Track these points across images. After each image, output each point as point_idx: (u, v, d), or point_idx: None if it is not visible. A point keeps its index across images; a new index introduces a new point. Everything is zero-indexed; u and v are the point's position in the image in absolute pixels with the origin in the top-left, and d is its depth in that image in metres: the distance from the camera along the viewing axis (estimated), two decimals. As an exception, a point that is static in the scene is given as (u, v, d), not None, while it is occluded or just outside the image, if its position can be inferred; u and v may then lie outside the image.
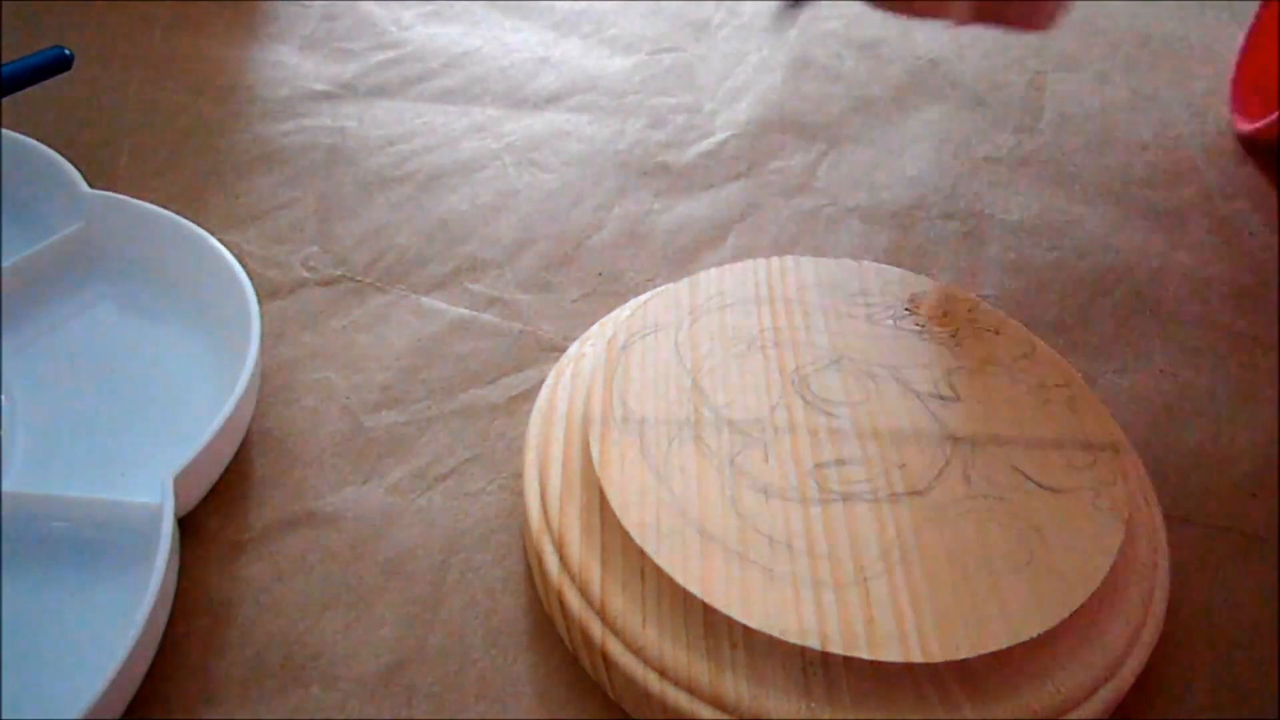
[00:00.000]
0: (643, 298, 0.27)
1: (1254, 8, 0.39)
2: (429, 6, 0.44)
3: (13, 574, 0.24)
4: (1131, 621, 0.21)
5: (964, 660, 0.19)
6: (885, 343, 0.25)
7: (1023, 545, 0.21)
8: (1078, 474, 0.22)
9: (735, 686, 0.20)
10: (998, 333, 0.25)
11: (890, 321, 0.25)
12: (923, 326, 0.25)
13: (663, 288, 0.27)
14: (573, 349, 0.28)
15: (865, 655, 0.19)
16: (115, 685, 0.20)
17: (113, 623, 0.23)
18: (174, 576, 0.23)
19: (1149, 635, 0.21)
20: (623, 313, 0.27)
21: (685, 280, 0.27)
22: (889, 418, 0.23)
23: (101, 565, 0.24)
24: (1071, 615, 0.20)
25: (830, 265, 0.27)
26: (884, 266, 0.27)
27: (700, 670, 0.20)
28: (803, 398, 0.24)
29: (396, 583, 0.24)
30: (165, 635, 0.23)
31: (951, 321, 0.26)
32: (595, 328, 0.28)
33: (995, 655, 0.19)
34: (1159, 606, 0.22)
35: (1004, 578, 0.20)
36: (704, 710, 0.20)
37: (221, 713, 0.22)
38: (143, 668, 0.22)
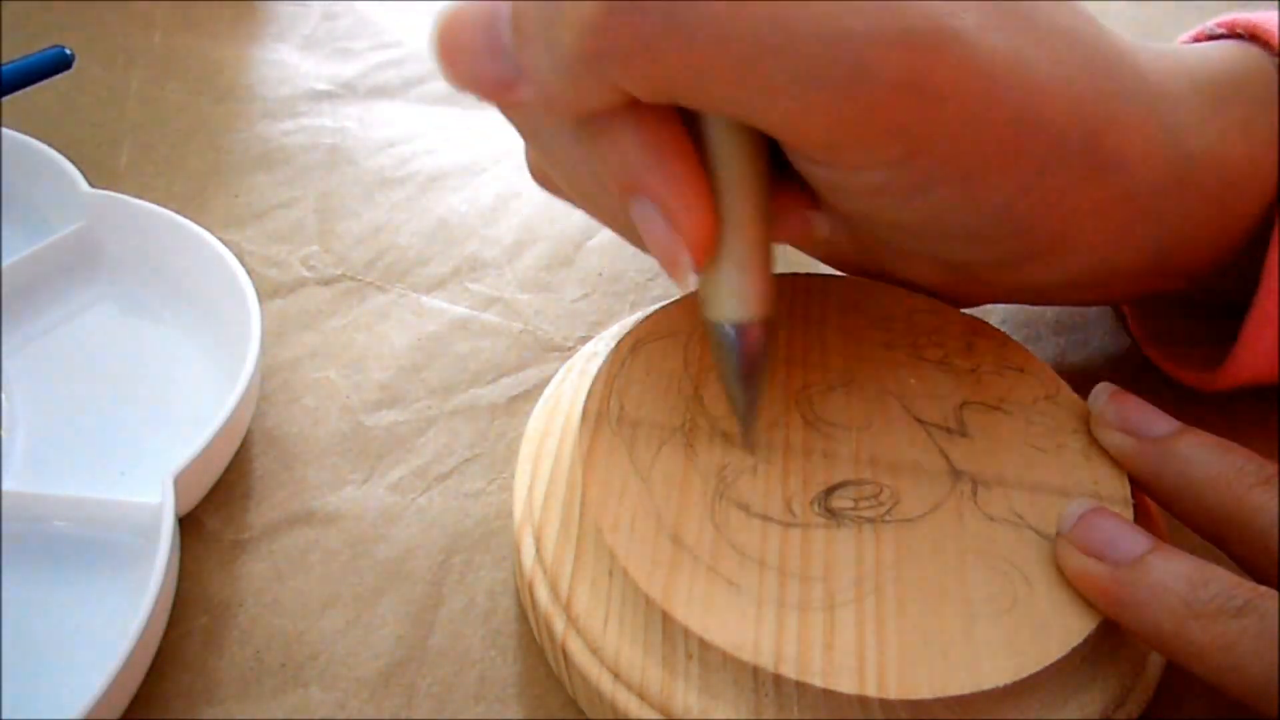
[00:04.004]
0: (664, 303, 0.26)
1: (1251, 9, 0.39)
2: (430, 7, 0.44)
3: (13, 574, 0.24)
4: (1119, 684, 0.20)
5: (922, 700, 0.18)
6: (900, 370, 0.24)
7: (1008, 590, 0.20)
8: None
9: (685, 697, 0.19)
10: (1022, 371, 0.24)
11: (909, 350, 0.25)
12: (943, 358, 0.25)
13: (688, 293, 0.26)
14: (588, 346, 0.27)
15: (818, 682, 0.18)
16: (115, 685, 0.20)
17: (113, 623, 0.23)
18: (174, 576, 0.23)
19: (1136, 701, 0.21)
20: (641, 315, 0.27)
21: None
22: (890, 446, 0.22)
23: (101, 565, 0.24)
24: (1046, 669, 0.19)
25: (860, 286, 0.26)
26: (915, 294, 0.26)
27: (653, 677, 0.20)
28: (804, 417, 0.23)
29: (396, 583, 0.24)
30: (165, 635, 0.23)
31: (975, 355, 0.25)
32: (615, 327, 0.28)
33: (957, 699, 0.18)
34: (1154, 672, 0.21)
35: (981, 621, 0.19)
36: (652, 716, 0.20)
37: (221, 712, 0.22)
38: (143, 668, 0.22)
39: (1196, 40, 0.26)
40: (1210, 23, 0.26)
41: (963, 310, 0.26)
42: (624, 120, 0.20)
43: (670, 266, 0.20)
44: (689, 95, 0.19)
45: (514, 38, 0.19)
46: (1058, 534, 0.21)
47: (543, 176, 0.25)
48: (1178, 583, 0.19)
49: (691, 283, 0.21)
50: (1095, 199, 0.21)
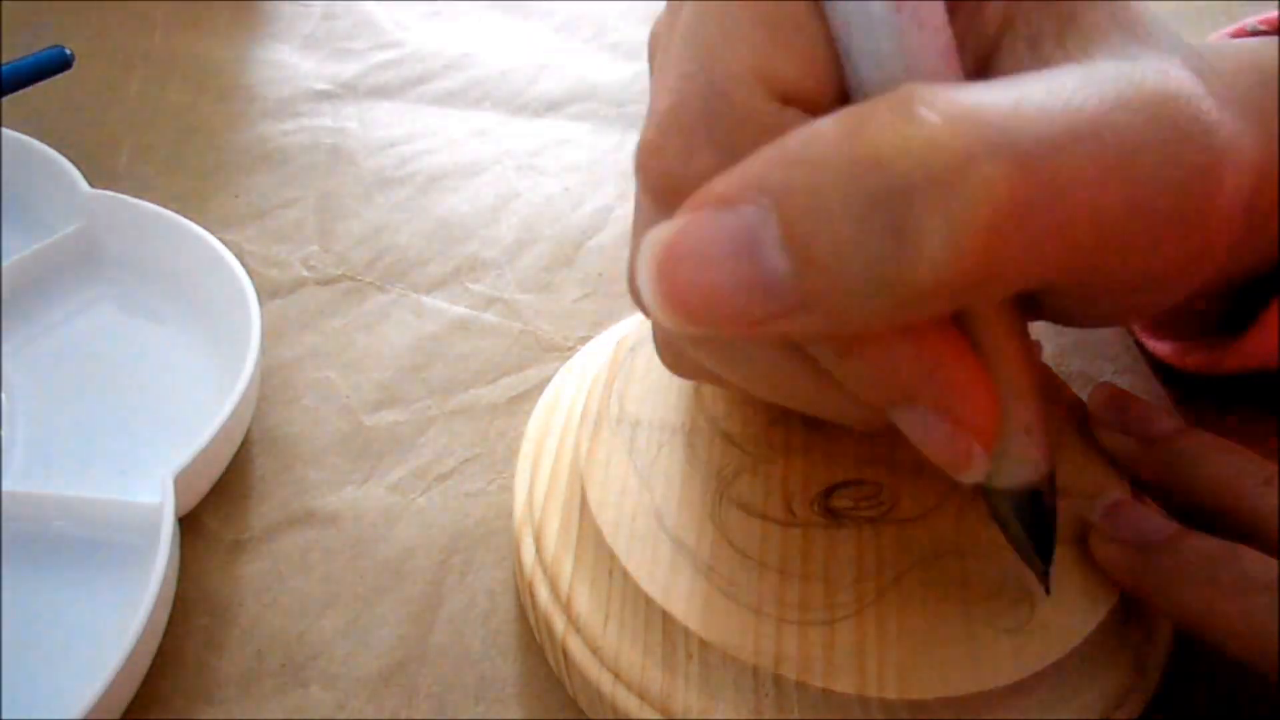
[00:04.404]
0: None
1: (1251, 8, 0.39)
2: (429, 7, 0.44)
3: (13, 574, 0.24)
4: (1119, 684, 0.20)
5: (922, 700, 0.18)
6: None
7: (1007, 591, 0.20)
8: (1082, 524, 0.21)
9: (685, 697, 0.19)
10: None
11: None
12: None
13: None
14: (589, 346, 0.27)
15: (818, 682, 0.18)
16: (115, 685, 0.20)
17: (113, 623, 0.23)
18: (174, 576, 0.23)
19: (1138, 698, 0.21)
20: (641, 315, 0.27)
21: None
22: (891, 446, 0.22)
23: (101, 565, 0.24)
24: (1046, 669, 0.19)
25: None
26: None
27: (653, 677, 0.20)
28: (803, 417, 0.23)
29: (396, 583, 0.24)
30: (165, 635, 0.23)
31: None
32: (615, 327, 0.28)
33: (957, 699, 0.18)
34: (1154, 672, 0.21)
35: (981, 621, 0.19)
36: (652, 716, 0.20)
37: (221, 712, 0.22)
38: (143, 668, 0.22)
39: (1235, 37, 0.25)
40: (1251, 20, 0.25)
41: None
42: (898, 334, 0.16)
43: (959, 464, 0.17)
44: (1043, 279, 0.16)
45: (795, 264, 0.15)
46: (1091, 526, 0.21)
47: (685, 368, 0.21)
48: (1206, 560, 0.19)
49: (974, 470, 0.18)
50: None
